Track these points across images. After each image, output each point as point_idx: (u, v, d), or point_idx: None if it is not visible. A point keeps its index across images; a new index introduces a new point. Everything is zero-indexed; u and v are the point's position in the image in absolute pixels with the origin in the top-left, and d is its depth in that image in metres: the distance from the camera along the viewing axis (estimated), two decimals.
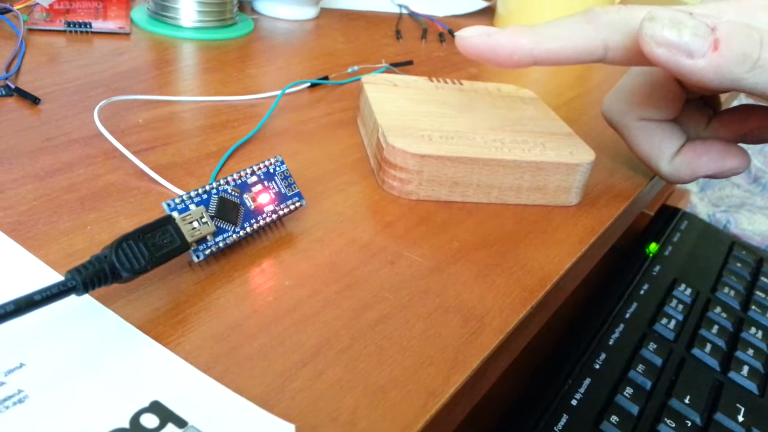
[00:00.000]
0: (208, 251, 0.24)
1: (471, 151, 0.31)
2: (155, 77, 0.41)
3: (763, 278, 0.54)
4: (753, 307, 0.50)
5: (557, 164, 0.32)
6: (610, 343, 0.42)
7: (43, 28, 0.45)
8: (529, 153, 0.32)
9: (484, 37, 0.30)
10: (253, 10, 0.57)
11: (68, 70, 0.39)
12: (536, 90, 0.50)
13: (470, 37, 0.30)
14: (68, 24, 0.45)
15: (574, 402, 0.37)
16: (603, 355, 0.41)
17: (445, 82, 0.40)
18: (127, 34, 0.47)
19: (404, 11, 0.65)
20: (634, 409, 0.37)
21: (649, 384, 0.39)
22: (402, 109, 0.35)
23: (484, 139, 0.33)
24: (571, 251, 0.30)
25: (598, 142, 0.42)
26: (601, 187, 0.36)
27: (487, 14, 0.69)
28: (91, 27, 0.46)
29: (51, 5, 0.48)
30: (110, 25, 0.47)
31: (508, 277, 0.27)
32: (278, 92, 0.40)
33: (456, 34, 0.31)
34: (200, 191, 0.24)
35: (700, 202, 1.91)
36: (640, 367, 0.40)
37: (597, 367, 0.40)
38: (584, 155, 0.33)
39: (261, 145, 0.35)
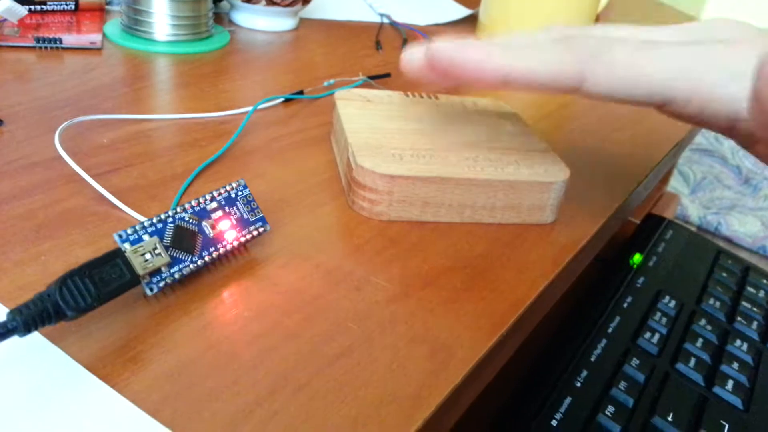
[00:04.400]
0: (162, 284, 0.23)
1: (443, 171, 0.31)
2: (125, 94, 0.40)
3: (749, 288, 0.54)
4: (738, 318, 0.49)
5: (531, 183, 0.31)
6: (592, 359, 0.41)
7: (11, 44, 0.44)
8: (503, 171, 0.31)
9: (453, 46, 0.28)
10: (231, 22, 0.57)
11: (35, 88, 0.39)
12: (516, 102, 0.49)
13: (440, 47, 0.29)
14: (37, 40, 0.44)
15: (554, 422, 0.36)
16: (584, 372, 0.40)
17: (421, 96, 0.39)
18: (99, 50, 0.46)
19: (385, 21, 0.64)
20: (616, 429, 0.36)
21: (631, 402, 0.39)
22: (374, 126, 0.34)
23: (457, 157, 0.32)
24: (545, 273, 0.29)
25: (576, 156, 0.41)
26: (578, 202, 0.36)
27: (469, 22, 0.68)
28: (61, 42, 0.45)
29: (21, 20, 0.47)
30: (81, 40, 0.46)
31: (478, 303, 0.26)
32: (251, 108, 0.39)
33: (427, 46, 0.29)
34: (155, 220, 0.23)
35: (690, 204, 1.90)
36: (623, 384, 0.40)
37: (578, 385, 0.39)
38: (559, 173, 0.32)
39: (230, 164, 0.34)
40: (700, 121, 0.27)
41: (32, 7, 0.49)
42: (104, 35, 0.48)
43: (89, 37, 0.47)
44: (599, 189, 0.37)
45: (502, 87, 0.28)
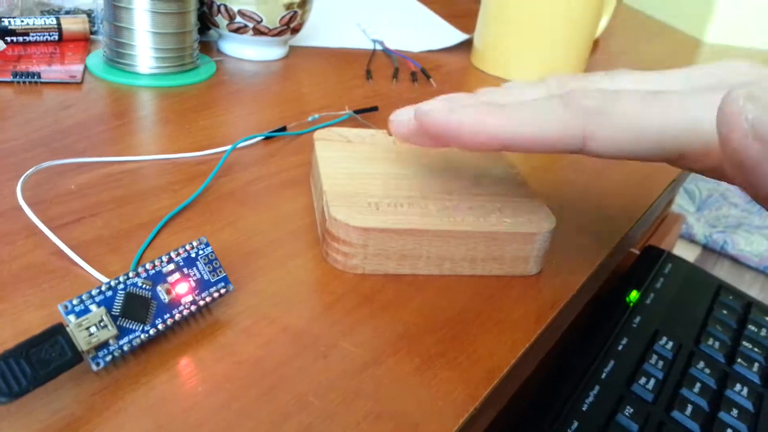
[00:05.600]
0: (109, 357, 0.21)
1: (419, 222, 0.29)
2: (100, 133, 0.39)
3: (750, 326, 0.52)
4: (739, 359, 0.47)
5: (513, 234, 0.30)
6: (584, 408, 0.40)
7: None
8: (484, 222, 0.30)
9: (445, 112, 0.27)
10: (219, 51, 0.56)
11: (7, 128, 0.38)
12: None
13: (431, 112, 0.27)
14: (15, 75, 0.43)
15: None
16: (575, 424, 0.38)
17: None
18: (79, 84, 0.45)
19: (378, 47, 0.63)
20: None
21: None
22: (352, 170, 0.33)
23: (436, 205, 0.31)
24: (527, 333, 0.27)
25: (567, 194, 0.40)
26: (567, 249, 0.34)
27: (463, 49, 0.67)
28: (39, 77, 0.44)
29: (0, 53, 0.46)
30: (61, 73, 0.45)
31: (453, 370, 0.25)
32: (229, 147, 0.38)
33: (416, 109, 0.28)
34: (103, 288, 0.22)
35: (696, 223, 1.88)
36: None
37: None
38: (544, 222, 0.31)
39: (200, 211, 0.32)
40: (722, 175, 0.25)
41: (15, 38, 0.49)
42: (86, 68, 0.47)
43: (69, 70, 0.46)
44: (589, 234, 0.36)
45: (500, 150, 0.27)
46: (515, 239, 0.30)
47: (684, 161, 0.25)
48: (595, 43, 0.77)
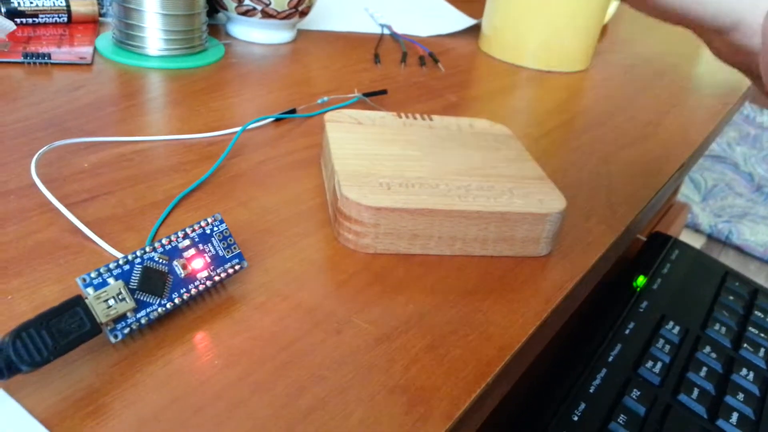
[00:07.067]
0: (126, 330, 0.22)
1: (431, 202, 0.29)
2: (111, 114, 0.39)
3: (756, 312, 0.52)
4: (745, 345, 0.47)
5: (524, 214, 0.30)
6: (591, 390, 0.40)
7: None
8: (495, 202, 0.30)
9: None
10: (227, 35, 0.56)
11: (19, 108, 0.38)
12: (517, 119, 0.48)
13: None
14: (25, 56, 0.43)
15: None
16: (582, 405, 0.39)
17: (414, 118, 0.38)
18: (89, 65, 0.45)
19: (386, 32, 0.63)
20: None
21: None
22: (363, 151, 0.33)
23: (447, 186, 0.31)
24: (537, 312, 0.28)
25: (575, 179, 0.40)
26: (576, 232, 0.34)
27: (472, 34, 0.67)
28: (50, 58, 0.44)
29: (11, 34, 0.46)
30: (71, 54, 0.45)
31: (464, 347, 0.25)
32: (239, 128, 0.38)
33: None
34: (121, 262, 0.22)
35: (701, 212, 1.87)
36: (622, 418, 0.38)
37: (575, 419, 0.38)
38: (554, 203, 0.31)
39: (213, 190, 0.33)
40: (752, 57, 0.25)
41: (24, 20, 0.49)
42: (95, 49, 0.48)
43: (79, 52, 0.46)
44: (598, 216, 0.36)
45: None
46: (526, 219, 0.30)
47: (735, 34, 0.25)
48: (604, 29, 0.77)
